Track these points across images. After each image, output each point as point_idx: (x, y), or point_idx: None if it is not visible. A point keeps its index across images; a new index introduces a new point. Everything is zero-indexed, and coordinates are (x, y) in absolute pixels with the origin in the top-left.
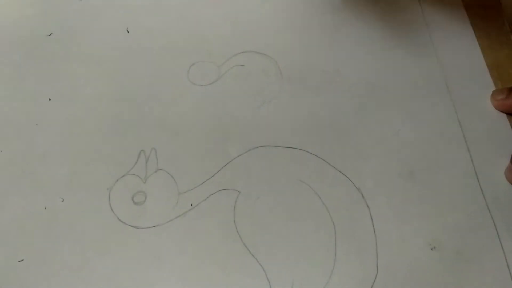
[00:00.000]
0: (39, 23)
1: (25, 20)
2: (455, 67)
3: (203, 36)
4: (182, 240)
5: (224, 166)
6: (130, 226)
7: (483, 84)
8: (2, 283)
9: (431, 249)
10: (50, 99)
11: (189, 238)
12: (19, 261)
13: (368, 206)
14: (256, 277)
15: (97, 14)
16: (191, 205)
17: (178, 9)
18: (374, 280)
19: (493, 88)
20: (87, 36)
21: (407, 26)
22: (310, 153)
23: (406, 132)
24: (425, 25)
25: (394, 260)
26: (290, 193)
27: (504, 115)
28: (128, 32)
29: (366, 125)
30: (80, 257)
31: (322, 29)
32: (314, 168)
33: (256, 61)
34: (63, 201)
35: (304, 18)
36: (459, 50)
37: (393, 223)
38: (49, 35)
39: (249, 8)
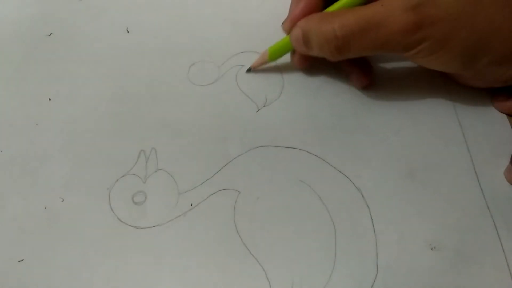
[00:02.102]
0: (39, 23)
1: (25, 20)
2: None
3: (203, 36)
4: (182, 240)
5: (224, 166)
6: (130, 226)
7: None
8: (2, 283)
9: (431, 249)
10: (50, 99)
11: (189, 238)
12: (19, 261)
13: (368, 206)
14: (256, 277)
15: (97, 14)
16: (191, 205)
17: (178, 9)
18: (374, 280)
19: None
20: (87, 36)
21: None
22: (310, 153)
23: (406, 132)
24: None
25: (394, 260)
26: (290, 193)
27: (504, 115)
28: (128, 32)
29: (366, 125)
30: (80, 257)
31: None
32: (314, 168)
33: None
34: (63, 201)
35: None
36: None
37: (393, 223)
38: (49, 35)
39: (249, 8)
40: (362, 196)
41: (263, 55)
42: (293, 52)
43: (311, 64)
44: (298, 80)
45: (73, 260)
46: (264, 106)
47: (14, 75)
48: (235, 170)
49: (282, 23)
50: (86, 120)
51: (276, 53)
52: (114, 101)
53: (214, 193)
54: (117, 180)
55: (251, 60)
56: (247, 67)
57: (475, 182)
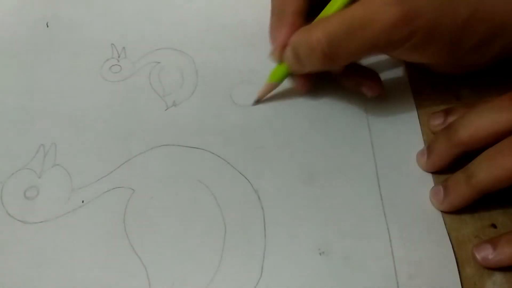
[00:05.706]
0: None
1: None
2: None
3: (120, 32)
4: (68, 237)
5: (123, 163)
6: (18, 220)
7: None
8: None
9: (320, 253)
10: None
11: (75, 235)
12: None
13: (262, 209)
14: (136, 277)
15: None
16: (83, 201)
17: (97, 2)
18: (257, 283)
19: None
20: None
21: None
22: (214, 153)
23: (313, 135)
24: None
25: (280, 263)
26: (185, 193)
27: (417, 122)
28: (47, 26)
29: (272, 127)
30: None
31: (241, 30)
32: (215, 169)
33: (172, 59)
34: None
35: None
36: None
37: (285, 226)
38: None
39: (171, 7)
40: (259, 198)
41: (266, 87)
42: (292, 76)
43: (314, 85)
44: (212, 80)
45: None
46: (173, 105)
47: None
48: (134, 168)
49: (270, 53)
50: None
51: (275, 80)
52: (22, 95)
53: (108, 190)
54: (12, 174)
55: (168, 57)
56: (165, 65)
57: (376, 188)
